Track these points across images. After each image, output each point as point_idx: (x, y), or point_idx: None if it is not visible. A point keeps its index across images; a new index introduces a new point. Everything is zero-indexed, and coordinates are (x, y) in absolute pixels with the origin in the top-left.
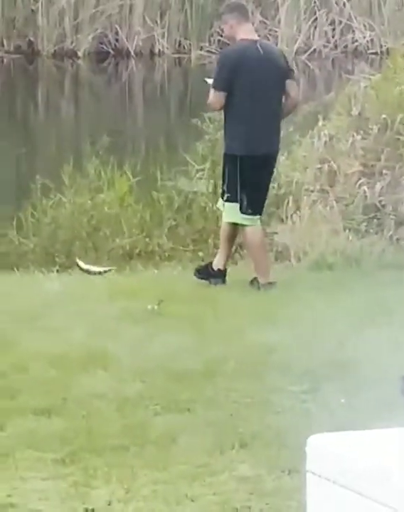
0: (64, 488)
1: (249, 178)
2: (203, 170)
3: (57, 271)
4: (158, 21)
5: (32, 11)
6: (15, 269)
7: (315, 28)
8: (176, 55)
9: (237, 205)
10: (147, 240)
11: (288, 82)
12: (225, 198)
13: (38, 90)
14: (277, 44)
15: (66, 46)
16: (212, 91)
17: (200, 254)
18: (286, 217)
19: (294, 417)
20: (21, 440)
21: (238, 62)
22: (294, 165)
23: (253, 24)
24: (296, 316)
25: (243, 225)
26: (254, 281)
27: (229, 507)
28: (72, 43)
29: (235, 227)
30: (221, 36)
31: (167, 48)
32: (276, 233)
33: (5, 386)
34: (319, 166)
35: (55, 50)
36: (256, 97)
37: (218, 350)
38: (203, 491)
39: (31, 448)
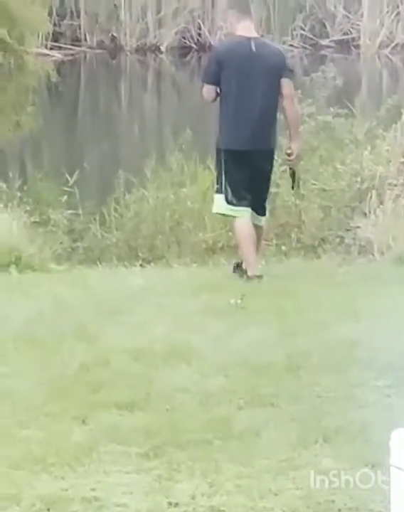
0: (148, 482)
1: (231, 171)
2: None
3: (141, 265)
4: None
5: (115, 6)
6: (98, 263)
7: (398, 22)
8: None
9: (223, 196)
10: (230, 234)
11: (283, 81)
12: (215, 189)
13: (120, 85)
14: (360, 38)
15: (149, 41)
16: (204, 84)
17: (283, 248)
18: (370, 212)
19: (377, 412)
20: (105, 434)
21: (225, 58)
22: (377, 159)
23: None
24: (380, 310)
25: (232, 217)
26: (236, 269)
27: (312, 501)
28: (154, 37)
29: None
30: (304, 30)
31: None
32: (359, 227)
33: (88, 380)
34: (403, 159)
35: (137, 45)
36: (240, 93)
37: (301, 344)
38: (287, 486)
39: (115, 442)
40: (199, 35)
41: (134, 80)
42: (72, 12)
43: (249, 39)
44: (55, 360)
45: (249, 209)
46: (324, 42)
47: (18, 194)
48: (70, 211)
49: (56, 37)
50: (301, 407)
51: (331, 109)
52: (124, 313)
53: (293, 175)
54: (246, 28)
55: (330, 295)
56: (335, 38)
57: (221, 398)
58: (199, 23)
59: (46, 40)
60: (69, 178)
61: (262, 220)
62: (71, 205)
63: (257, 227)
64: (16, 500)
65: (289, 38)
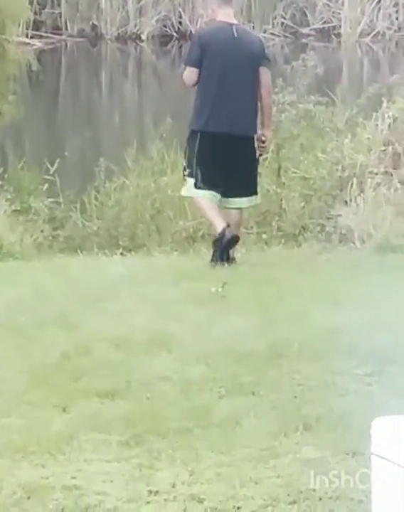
0: (128, 471)
1: (204, 154)
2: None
3: (121, 253)
4: None
5: None
6: (79, 251)
7: (379, 10)
8: None
9: (193, 180)
10: None
11: (261, 69)
12: (186, 173)
13: (101, 73)
14: (340, 26)
15: (129, 29)
16: (185, 67)
17: (264, 236)
18: (350, 200)
19: (358, 400)
20: (86, 422)
21: (208, 41)
22: (358, 147)
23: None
24: (361, 299)
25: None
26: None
27: (293, 490)
28: (135, 26)
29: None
30: (284, 19)
31: None
32: (340, 216)
33: (69, 368)
34: (383, 148)
35: (118, 34)
36: (222, 77)
37: (282, 332)
38: (267, 474)
39: (95, 430)
40: (180, 23)
41: (115, 68)
42: (53, 0)
43: (231, 25)
44: (36, 348)
45: (215, 194)
46: (305, 30)
47: None
48: (50, 199)
49: (37, 25)
50: (281, 395)
51: (312, 97)
52: (105, 301)
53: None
54: (227, 15)
55: (311, 283)
56: (316, 27)
57: (202, 386)
58: (180, 12)
59: (27, 28)
60: (50, 167)
61: (245, 202)
62: (52, 193)
63: (240, 211)
64: None
65: (270, 26)
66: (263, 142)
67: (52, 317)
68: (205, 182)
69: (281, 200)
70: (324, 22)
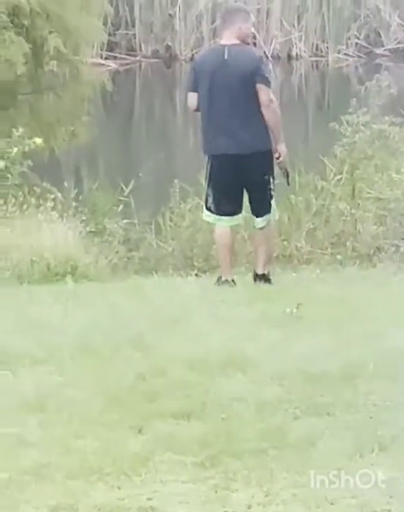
0: (204, 492)
1: (213, 177)
2: (341, 173)
3: (196, 274)
4: (296, 24)
5: (170, 15)
6: (154, 272)
7: None
8: (314, 59)
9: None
10: (285, 243)
11: (257, 86)
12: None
13: (175, 94)
14: None
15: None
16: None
17: (339, 257)
18: None
19: None
20: (161, 443)
21: (200, 66)
22: None
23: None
24: None
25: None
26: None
27: (369, 510)
28: (209, 46)
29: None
30: (358, 39)
31: (304, 51)
32: None
33: (144, 390)
34: None
35: (192, 55)
36: (212, 99)
37: (357, 352)
38: (343, 494)
39: (171, 451)
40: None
41: None
42: (127, 22)
43: (224, 46)
44: (111, 369)
45: (228, 218)
46: (379, 50)
47: (74, 204)
48: (125, 221)
49: (111, 47)
50: (356, 415)
51: (386, 117)
52: (180, 322)
53: (286, 173)
54: (227, 36)
55: (386, 303)
56: (390, 47)
57: (276, 407)
58: (254, 33)
59: (101, 50)
60: (124, 188)
61: (259, 223)
62: (126, 214)
63: (258, 230)
64: (73, 510)
65: (344, 46)
66: (278, 158)
67: (127, 338)
68: (215, 204)
69: (355, 220)
70: (398, 42)
